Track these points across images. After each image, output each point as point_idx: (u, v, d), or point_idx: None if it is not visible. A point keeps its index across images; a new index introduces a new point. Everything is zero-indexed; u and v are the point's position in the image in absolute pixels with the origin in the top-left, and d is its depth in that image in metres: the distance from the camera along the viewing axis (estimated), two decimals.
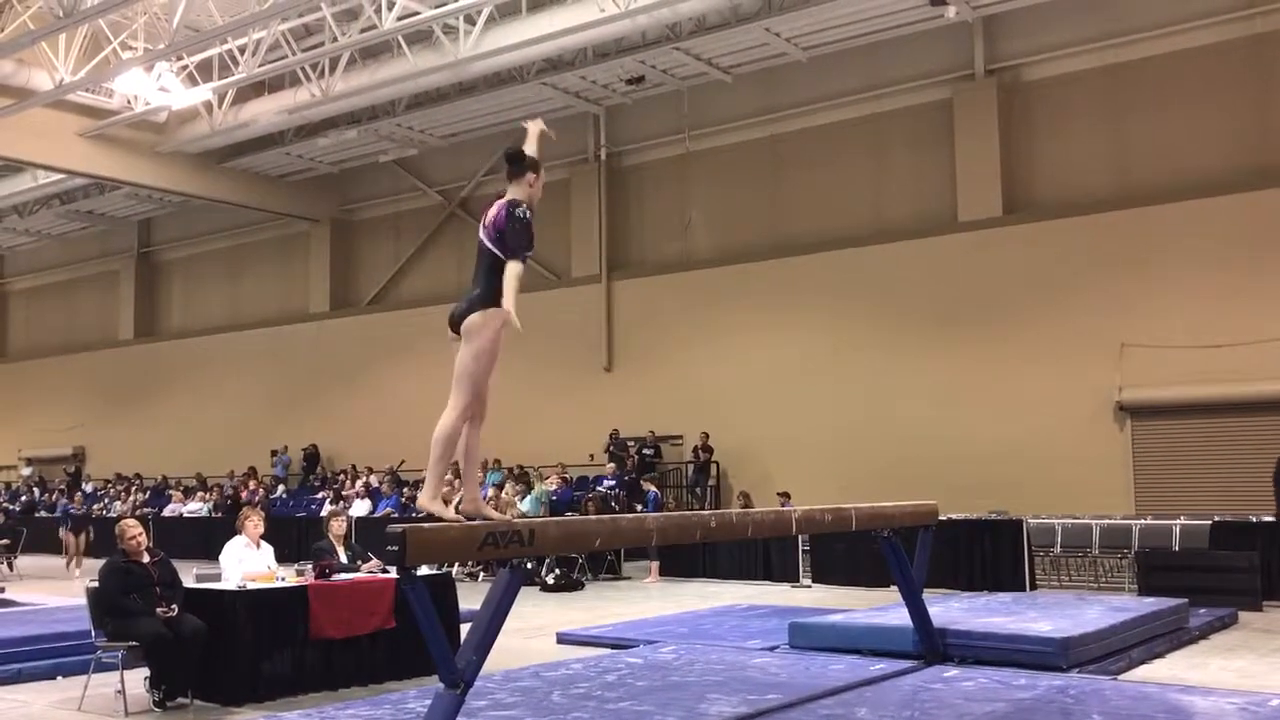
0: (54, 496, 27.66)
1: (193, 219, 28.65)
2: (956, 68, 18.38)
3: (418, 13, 17.05)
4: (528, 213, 5.22)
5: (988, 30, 18.09)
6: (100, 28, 17.98)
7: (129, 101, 20.91)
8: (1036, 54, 17.76)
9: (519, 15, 17.64)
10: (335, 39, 17.96)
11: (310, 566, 8.39)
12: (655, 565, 16.17)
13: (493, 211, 5.29)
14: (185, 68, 20.06)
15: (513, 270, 5.12)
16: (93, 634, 7.49)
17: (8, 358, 34.18)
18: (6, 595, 12.81)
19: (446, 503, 5.36)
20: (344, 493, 21.40)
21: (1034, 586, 13.54)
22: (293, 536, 17.67)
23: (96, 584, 7.52)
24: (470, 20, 17.62)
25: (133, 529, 7.71)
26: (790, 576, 15.27)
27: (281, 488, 24.33)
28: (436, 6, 17.21)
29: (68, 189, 26.43)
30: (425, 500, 5.21)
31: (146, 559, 7.60)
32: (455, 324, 5.23)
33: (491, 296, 5.15)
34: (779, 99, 20.06)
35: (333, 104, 20.35)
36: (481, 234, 5.29)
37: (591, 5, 16.67)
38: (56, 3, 16.26)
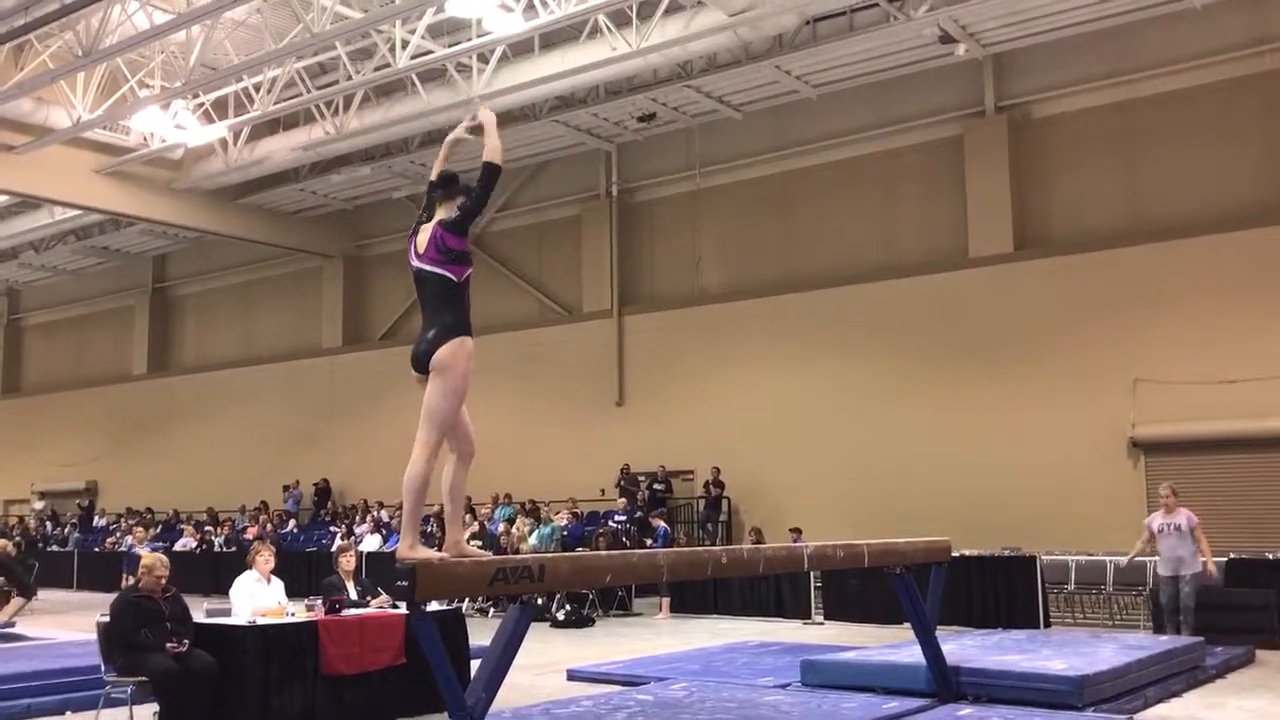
0: (66, 530, 27.72)
1: (207, 254, 28.87)
2: (967, 105, 18.47)
3: (431, 51, 17.24)
4: None
5: (998, 67, 18.19)
6: (118, 66, 18.23)
7: (145, 138, 21.13)
8: (1047, 91, 17.83)
9: (531, 54, 17.82)
10: (349, 77, 18.16)
11: (320, 602, 8.37)
12: (666, 601, 16.09)
13: (424, 238, 5.17)
14: (201, 105, 20.30)
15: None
16: (102, 669, 7.47)
17: (22, 392, 34.34)
18: (16, 630, 12.78)
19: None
20: (356, 528, 21.38)
21: (1048, 624, 13.43)
22: (304, 571, 17.63)
23: (107, 618, 7.51)
24: (483, 59, 17.80)
25: (161, 568, 7.69)
26: (802, 613, 15.16)
27: (293, 523, 24.32)
28: (450, 45, 17.41)
29: (83, 225, 26.71)
30: (405, 551, 4.92)
31: (159, 594, 7.60)
32: (421, 363, 5.06)
33: (458, 325, 5.02)
34: (789, 136, 20.17)
35: (347, 141, 20.55)
36: (418, 263, 5.17)
37: (603, 44, 16.83)
38: (75, 42, 16.49)
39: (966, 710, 7.64)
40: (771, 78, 18.85)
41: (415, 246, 5.25)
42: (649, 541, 17.15)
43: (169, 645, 7.27)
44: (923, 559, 8.11)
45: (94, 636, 7.66)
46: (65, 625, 14.49)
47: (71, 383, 32.33)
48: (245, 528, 23.41)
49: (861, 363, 18.85)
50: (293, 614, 8.20)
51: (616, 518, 18.53)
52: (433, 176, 5.47)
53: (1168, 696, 8.55)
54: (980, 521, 15.92)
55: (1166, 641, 9.79)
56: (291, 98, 19.11)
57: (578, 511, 19.25)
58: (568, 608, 15.13)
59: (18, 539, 24.65)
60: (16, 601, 15.58)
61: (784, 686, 8.88)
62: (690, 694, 8.41)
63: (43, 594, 20.25)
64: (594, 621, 15.34)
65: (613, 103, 19.77)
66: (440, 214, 5.27)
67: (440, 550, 5.22)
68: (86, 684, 8.12)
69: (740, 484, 19.55)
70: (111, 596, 8.15)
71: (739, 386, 19.95)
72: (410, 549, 4.95)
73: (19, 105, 19.25)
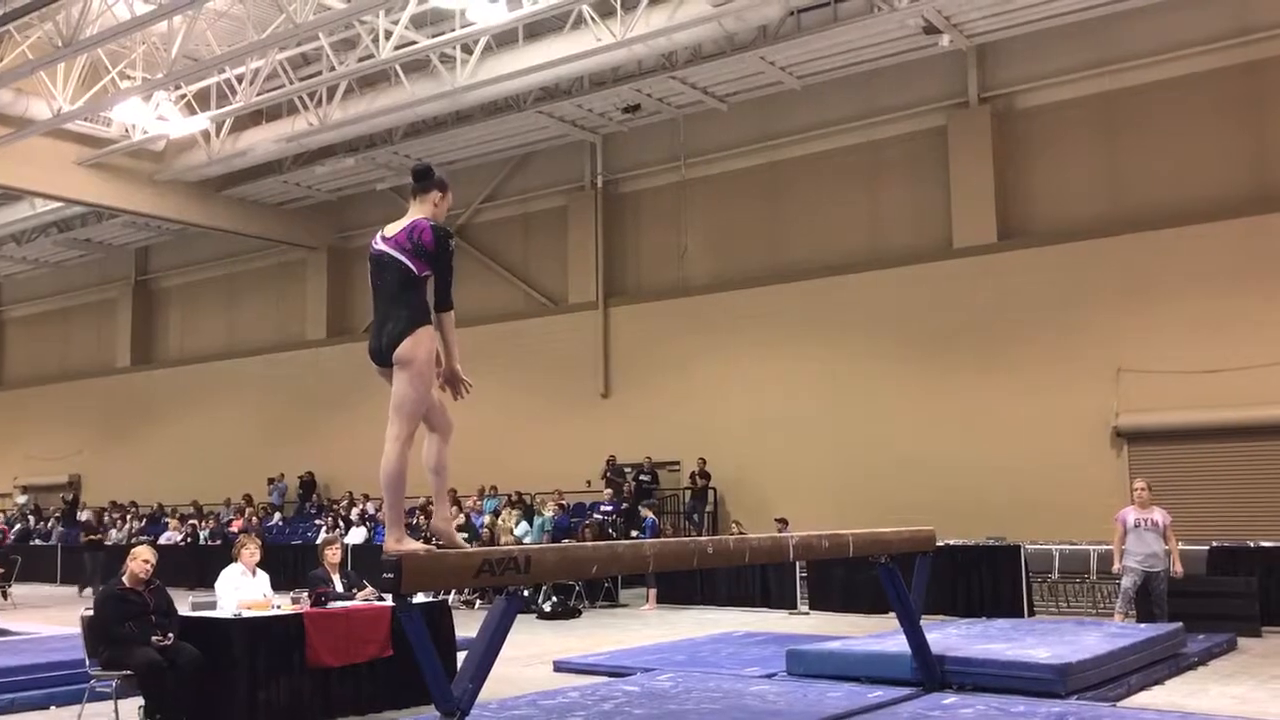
0: (49, 524, 27.59)
1: (190, 247, 28.73)
2: (951, 95, 18.50)
3: (415, 42, 17.15)
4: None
5: (981, 58, 18.22)
6: (99, 57, 18.08)
7: (127, 130, 20.99)
8: (1030, 81, 17.87)
9: (516, 44, 17.75)
10: (333, 68, 18.07)
11: (306, 594, 8.36)
12: (652, 592, 16.11)
13: (401, 228, 5.02)
14: (183, 97, 20.18)
15: (451, 322, 4.97)
16: (87, 663, 7.45)
17: (4, 385, 34.14)
18: (0, 624, 12.73)
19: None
20: (349, 517, 21.31)
21: (1031, 613, 13.52)
22: (289, 564, 17.60)
23: (92, 612, 7.49)
24: (467, 49, 17.74)
25: (146, 553, 7.68)
26: (788, 603, 15.21)
27: (278, 515, 24.26)
28: (434, 36, 17.33)
29: (65, 217, 26.54)
30: (392, 545, 4.88)
31: (143, 587, 7.58)
32: (383, 356, 4.94)
33: (417, 316, 4.92)
34: (775, 127, 20.17)
35: (330, 132, 20.45)
36: (384, 246, 5.01)
37: (588, 34, 16.78)
38: (55, 32, 16.35)
39: (951, 699, 7.68)
40: (756, 69, 18.85)
41: (383, 231, 5.13)
42: (635, 533, 17.17)
43: (154, 638, 7.26)
44: (907, 549, 8.14)
45: (78, 630, 7.64)
46: (49, 619, 14.44)
47: (54, 376, 32.15)
48: (230, 521, 23.33)
49: (846, 353, 18.89)
50: (278, 606, 8.20)
51: (602, 509, 18.55)
52: None
53: (1150, 684, 8.62)
54: (964, 511, 15.99)
55: (1149, 630, 9.85)
56: (274, 89, 19.01)
57: (564, 503, 19.26)
58: (554, 599, 15.15)
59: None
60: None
61: (770, 676, 8.92)
62: (676, 684, 8.43)
63: (26, 588, 20.20)
64: (580, 613, 15.36)
65: (597, 94, 19.73)
66: (417, 210, 5.15)
67: (428, 529, 5.19)
68: (71, 678, 8.11)
69: (726, 475, 19.59)
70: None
71: (724, 377, 19.98)
72: (398, 542, 4.92)
73: None
